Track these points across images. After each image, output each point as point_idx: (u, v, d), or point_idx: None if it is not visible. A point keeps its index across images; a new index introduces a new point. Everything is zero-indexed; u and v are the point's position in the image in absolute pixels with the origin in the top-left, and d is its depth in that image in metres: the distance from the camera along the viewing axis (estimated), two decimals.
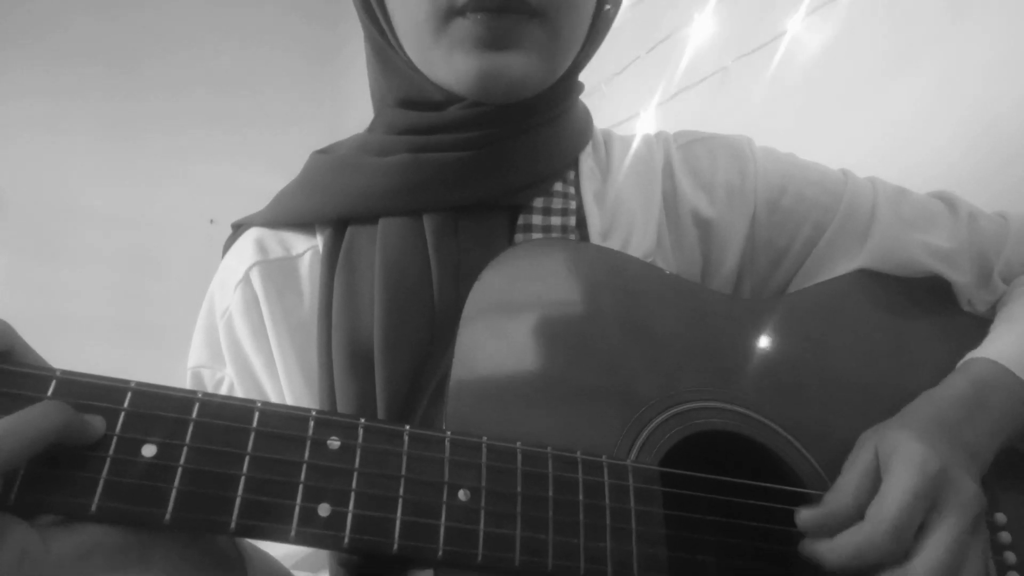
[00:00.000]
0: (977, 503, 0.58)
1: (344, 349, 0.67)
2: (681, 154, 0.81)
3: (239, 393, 0.72)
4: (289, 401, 0.70)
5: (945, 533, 0.56)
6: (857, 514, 0.58)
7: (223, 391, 0.73)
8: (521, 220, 0.72)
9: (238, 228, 0.81)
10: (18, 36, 2.81)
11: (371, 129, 0.78)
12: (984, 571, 0.58)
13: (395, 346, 0.65)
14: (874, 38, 1.26)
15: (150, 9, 3.00)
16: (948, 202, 0.83)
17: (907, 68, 1.19)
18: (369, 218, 0.72)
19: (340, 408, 0.65)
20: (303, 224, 0.76)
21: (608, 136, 0.83)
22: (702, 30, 1.58)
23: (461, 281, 0.67)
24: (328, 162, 0.77)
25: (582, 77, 0.79)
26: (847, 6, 1.30)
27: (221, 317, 0.74)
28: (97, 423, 0.46)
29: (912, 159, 1.13)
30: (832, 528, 0.58)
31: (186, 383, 0.75)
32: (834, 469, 0.62)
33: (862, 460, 0.61)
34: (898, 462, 0.58)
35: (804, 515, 0.59)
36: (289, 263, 0.74)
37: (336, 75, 3.18)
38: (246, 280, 0.73)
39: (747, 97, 1.47)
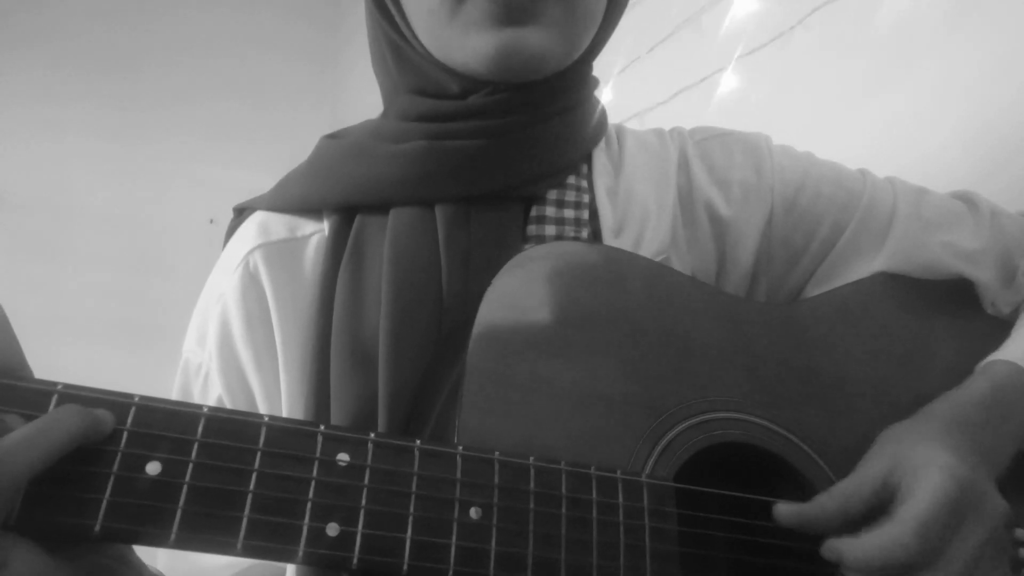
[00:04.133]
0: (1000, 515, 0.58)
1: (345, 343, 0.65)
2: (697, 150, 0.79)
3: (216, 383, 0.71)
4: (283, 395, 0.68)
5: (966, 543, 0.55)
6: (839, 522, 0.57)
7: (201, 378, 0.72)
8: (534, 211, 0.71)
9: (241, 212, 0.79)
10: (21, 40, 2.81)
11: (384, 116, 0.77)
12: None
13: (401, 340, 0.63)
14: (873, 38, 1.25)
15: (151, 14, 3.00)
16: (969, 201, 0.81)
17: (907, 68, 1.19)
18: (379, 207, 0.71)
19: (335, 407, 0.63)
20: (310, 209, 0.74)
21: (621, 131, 0.82)
22: (702, 30, 1.57)
23: (471, 274, 0.66)
24: (339, 147, 0.75)
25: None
26: (847, 7, 1.30)
27: (216, 302, 0.72)
28: (106, 418, 0.45)
29: (912, 158, 1.13)
30: (808, 529, 0.57)
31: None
32: None
33: (872, 469, 0.60)
34: (926, 474, 0.57)
35: (780, 509, 0.58)
36: (294, 244, 0.72)
37: (336, 78, 3.18)
38: (245, 264, 0.71)
39: (747, 97, 1.47)
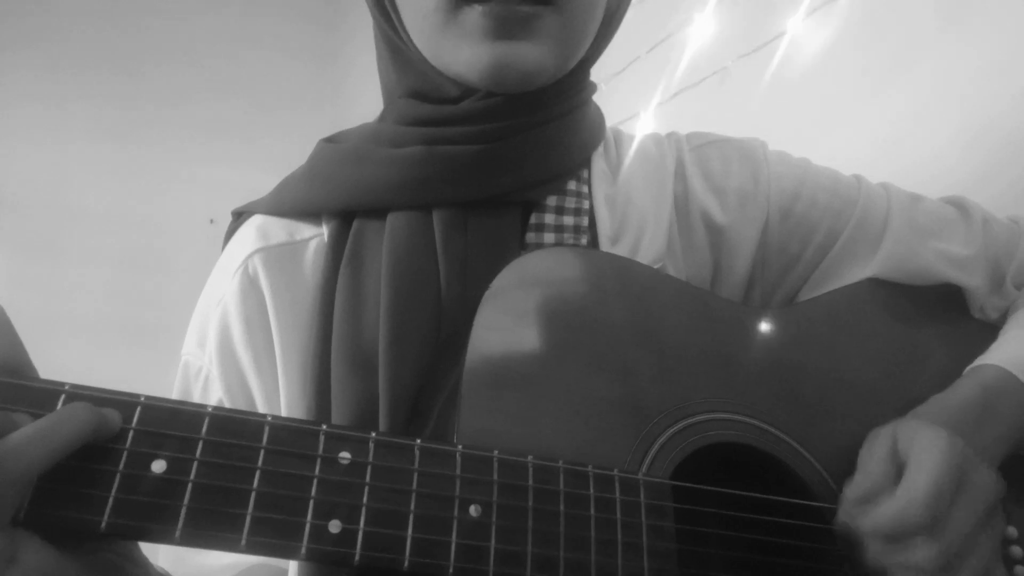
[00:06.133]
0: (996, 489, 0.59)
1: (345, 347, 0.65)
2: (693, 156, 0.80)
3: (217, 386, 0.71)
4: (283, 398, 0.68)
5: (968, 510, 0.56)
6: (888, 490, 0.58)
7: (201, 381, 0.72)
8: (534, 219, 0.71)
9: (239, 216, 0.79)
10: (21, 40, 2.81)
11: (381, 119, 0.77)
12: (994, 558, 0.58)
13: (401, 344, 0.64)
14: (873, 39, 1.26)
15: (151, 13, 3.01)
16: (961, 208, 0.82)
17: (905, 69, 1.19)
18: (377, 211, 0.71)
19: (335, 410, 0.64)
20: (308, 213, 0.74)
21: (618, 136, 0.82)
22: (702, 30, 1.58)
23: (468, 279, 0.66)
24: (337, 151, 0.75)
25: None
26: (847, 7, 1.30)
27: (216, 306, 0.72)
28: (114, 416, 0.46)
29: (910, 160, 1.13)
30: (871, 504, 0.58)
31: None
32: (845, 479, 0.62)
33: (881, 447, 0.61)
34: (922, 446, 0.58)
35: (843, 506, 0.59)
36: (293, 248, 0.72)
37: (336, 77, 3.18)
38: (244, 268, 0.71)
39: (747, 97, 1.47)
